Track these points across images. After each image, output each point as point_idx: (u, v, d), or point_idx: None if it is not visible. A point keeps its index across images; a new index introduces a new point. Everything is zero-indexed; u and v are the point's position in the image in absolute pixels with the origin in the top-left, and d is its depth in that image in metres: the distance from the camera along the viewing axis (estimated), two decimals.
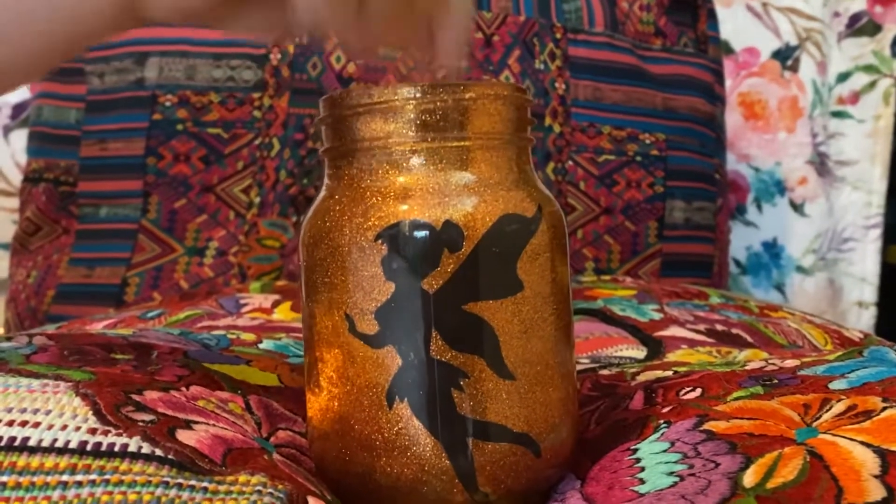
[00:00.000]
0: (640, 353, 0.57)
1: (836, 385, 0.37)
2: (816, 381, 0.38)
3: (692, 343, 0.59)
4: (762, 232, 1.27)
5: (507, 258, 0.32)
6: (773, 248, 1.27)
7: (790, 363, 0.42)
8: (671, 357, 0.55)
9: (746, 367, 0.43)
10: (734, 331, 0.64)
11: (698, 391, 0.39)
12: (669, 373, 0.44)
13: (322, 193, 0.35)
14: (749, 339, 0.63)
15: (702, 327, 0.64)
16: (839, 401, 0.35)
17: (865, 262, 1.24)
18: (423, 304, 0.31)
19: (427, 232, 0.31)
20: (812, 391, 0.36)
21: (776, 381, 0.39)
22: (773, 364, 0.43)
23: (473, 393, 0.31)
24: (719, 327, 0.65)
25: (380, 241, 0.31)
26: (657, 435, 0.35)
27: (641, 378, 0.44)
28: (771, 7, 1.28)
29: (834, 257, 1.25)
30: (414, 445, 0.32)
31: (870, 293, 1.24)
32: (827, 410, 0.34)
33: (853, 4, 1.26)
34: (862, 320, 1.23)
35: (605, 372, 0.48)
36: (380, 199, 0.32)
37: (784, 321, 0.69)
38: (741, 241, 1.27)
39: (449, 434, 0.31)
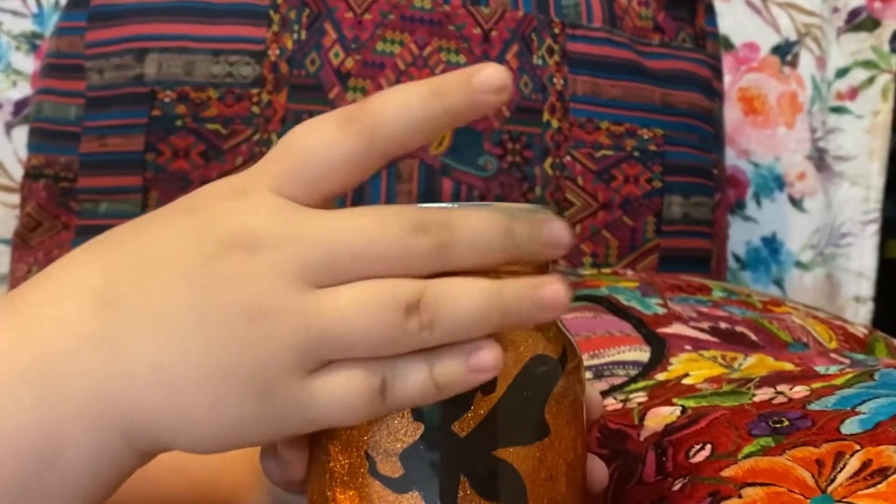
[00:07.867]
0: (643, 354, 0.56)
1: (849, 428, 0.36)
2: (827, 422, 0.37)
3: (696, 343, 0.58)
4: (761, 227, 1.27)
5: (536, 401, 0.31)
6: (772, 244, 1.27)
7: (799, 393, 0.42)
8: (675, 363, 0.54)
9: (755, 400, 0.42)
10: (738, 328, 0.63)
11: (708, 449, 0.39)
12: (677, 412, 0.44)
13: None
14: (754, 337, 0.62)
15: (706, 325, 0.63)
16: (853, 454, 0.34)
17: (863, 257, 1.24)
18: (451, 448, 0.30)
19: None
20: (824, 439, 0.36)
21: (786, 422, 0.38)
22: (782, 395, 0.42)
23: None
24: (723, 325, 0.64)
25: None
26: None
27: (649, 423, 0.44)
28: (770, 2, 1.28)
29: (832, 252, 1.25)
30: None
31: (867, 288, 1.24)
32: (841, 469, 0.34)
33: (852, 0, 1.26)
34: (859, 315, 1.23)
35: (609, 402, 0.48)
36: None
37: (788, 316, 0.68)
38: (741, 237, 1.27)
39: None
